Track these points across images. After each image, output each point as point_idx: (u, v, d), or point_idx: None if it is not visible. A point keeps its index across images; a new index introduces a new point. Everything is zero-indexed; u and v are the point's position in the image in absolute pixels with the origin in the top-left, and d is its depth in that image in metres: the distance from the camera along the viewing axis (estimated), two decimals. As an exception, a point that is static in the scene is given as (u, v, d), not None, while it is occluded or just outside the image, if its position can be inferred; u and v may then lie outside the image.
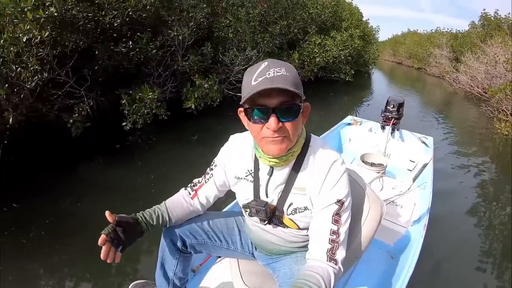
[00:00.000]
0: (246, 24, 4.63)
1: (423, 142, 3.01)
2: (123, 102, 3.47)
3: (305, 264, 0.87)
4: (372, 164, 2.49)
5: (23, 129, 2.97)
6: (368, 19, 13.31)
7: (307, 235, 0.94)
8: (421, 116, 7.06)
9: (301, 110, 0.82)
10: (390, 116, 2.98)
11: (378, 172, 2.33)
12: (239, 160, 0.99)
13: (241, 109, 0.85)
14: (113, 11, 3.44)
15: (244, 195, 1.01)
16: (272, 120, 0.77)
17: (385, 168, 2.42)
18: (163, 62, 4.08)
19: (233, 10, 4.73)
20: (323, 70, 7.80)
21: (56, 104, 3.30)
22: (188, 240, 1.09)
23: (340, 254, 0.85)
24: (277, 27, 5.60)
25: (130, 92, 3.55)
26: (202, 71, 4.34)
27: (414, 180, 2.19)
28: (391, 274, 1.61)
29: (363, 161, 2.50)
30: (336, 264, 0.84)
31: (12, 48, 2.61)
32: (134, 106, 3.44)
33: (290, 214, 0.95)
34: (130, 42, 3.62)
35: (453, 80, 11.09)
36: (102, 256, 0.84)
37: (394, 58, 26.25)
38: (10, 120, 2.65)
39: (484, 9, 13.99)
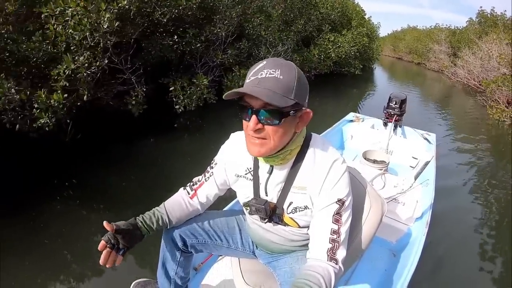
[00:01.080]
0: (273, 23, 5.34)
1: (426, 139, 3.01)
2: (171, 88, 4.13)
3: (305, 264, 0.87)
4: (374, 161, 2.48)
5: (86, 111, 3.50)
6: (370, 16, 13.99)
7: (308, 234, 0.94)
8: (422, 108, 7.52)
9: (287, 116, 0.77)
10: (392, 113, 2.97)
11: (380, 169, 2.33)
12: (239, 158, 0.99)
13: None
14: (164, 8, 3.88)
15: (244, 193, 1.01)
16: (252, 120, 0.76)
17: (387, 165, 2.41)
18: (206, 55, 4.74)
19: (262, 11, 5.44)
20: (335, 64, 8.60)
21: (112, 90, 3.84)
22: (189, 240, 1.09)
23: (341, 253, 0.85)
24: (299, 25, 6.32)
25: (179, 80, 4.22)
26: (237, 64, 5.06)
27: (415, 178, 2.18)
28: (393, 272, 1.61)
29: (365, 158, 2.48)
30: (336, 263, 0.84)
31: (89, 34, 2.95)
32: (188, 91, 4.12)
33: (290, 212, 0.95)
34: (175, 36, 4.21)
35: (452, 74, 11.89)
36: (101, 261, 0.88)
37: (394, 53, 26.81)
38: (85, 97, 3.16)
39: (481, 7, 14.71)
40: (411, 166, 2.82)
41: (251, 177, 0.97)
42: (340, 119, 3.42)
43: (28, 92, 2.81)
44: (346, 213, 0.88)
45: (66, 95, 2.98)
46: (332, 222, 0.86)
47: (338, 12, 8.60)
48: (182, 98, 4.10)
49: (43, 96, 2.82)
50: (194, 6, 4.21)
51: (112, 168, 3.16)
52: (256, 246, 1.18)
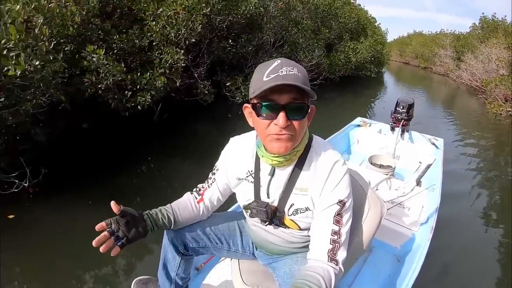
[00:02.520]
0: (307, 32, 6.53)
1: (433, 144, 2.99)
2: (228, 84, 5.12)
3: (305, 264, 0.87)
4: (380, 166, 2.48)
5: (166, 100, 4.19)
6: (380, 23, 15.08)
7: (308, 236, 0.95)
8: (430, 109, 8.00)
9: (308, 110, 0.83)
10: (399, 118, 2.96)
11: (386, 174, 2.31)
12: (239, 161, 1.00)
13: (246, 105, 0.87)
14: (224, 16, 4.42)
15: (244, 196, 1.02)
16: (281, 117, 0.77)
17: (393, 170, 2.40)
18: (255, 57, 5.76)
19: (296, 21, 6.59)
20: (354, 68, 9.75)
21: (182, 82, 4.48)
22: (190, 243, 1.10)
23: (341, 254, 0.86)
24: (326, 33, 7.51)
25: (237, 76, 5.26)
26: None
27: (417, 181, 2.17)
28: (397, 277, 1.60)
29: (371, 163, 2.48)
30: (337, 264, 0.84)
31: (177, 32, 3.40)
32: (247, 85, 5.17)
33: (291, 215, 0.96)
34: (230, 40, 4.93)
35: (456, 77, 13.00)
36: (94, 242, 0.82)
37: (401, 58, 27.23)
38: (177, 83, 3.78)
39: (483, 13, 15.85)
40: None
41: (252, 180, 0.98)
42: (357, 115, 3.58)
43: (138, 74, 3.32)
44: (346, 214, 0.89)
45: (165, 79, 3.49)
46: (333, 223, 0.87)
47: (355, 21, 9.75)
48: (242, 90, 5.22)
49: (148, 78, 3.37)
50: (248, 15, 4.85)
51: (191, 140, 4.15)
52: (256, 247, 1.19)
